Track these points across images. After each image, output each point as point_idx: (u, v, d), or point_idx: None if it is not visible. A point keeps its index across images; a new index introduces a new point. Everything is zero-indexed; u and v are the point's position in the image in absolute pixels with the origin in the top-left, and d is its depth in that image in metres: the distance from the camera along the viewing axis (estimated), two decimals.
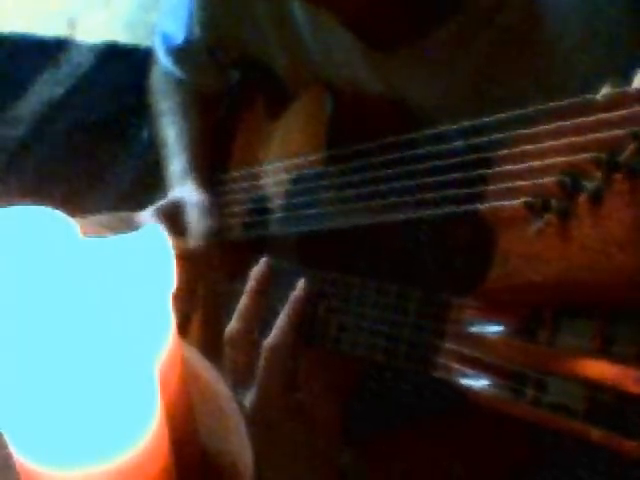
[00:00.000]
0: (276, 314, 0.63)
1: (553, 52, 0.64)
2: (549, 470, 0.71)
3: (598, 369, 0.42)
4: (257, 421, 0.61)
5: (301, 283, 0.63)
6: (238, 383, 0.63)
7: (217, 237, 0.80)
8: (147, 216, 0.80)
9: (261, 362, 0.61)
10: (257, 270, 0.65)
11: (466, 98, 0.64)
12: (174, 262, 0.45)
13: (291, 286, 0.64)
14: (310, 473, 0.62)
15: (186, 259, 0.76)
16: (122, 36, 1.96)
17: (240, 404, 0.60)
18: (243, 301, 0.64)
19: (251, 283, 0.65)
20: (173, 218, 0.80)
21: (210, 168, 0.91)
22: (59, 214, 0.44)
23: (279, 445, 0.62)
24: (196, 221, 0.80)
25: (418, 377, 0.69)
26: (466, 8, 0.66)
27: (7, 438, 0.40)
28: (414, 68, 0.71)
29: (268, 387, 0.61)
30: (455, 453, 0.64)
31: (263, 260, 0.66)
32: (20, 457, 0.40)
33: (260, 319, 0.64)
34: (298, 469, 0.62)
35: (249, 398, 0.62)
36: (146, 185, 1.49)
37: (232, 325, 0.64)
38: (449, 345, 0.51)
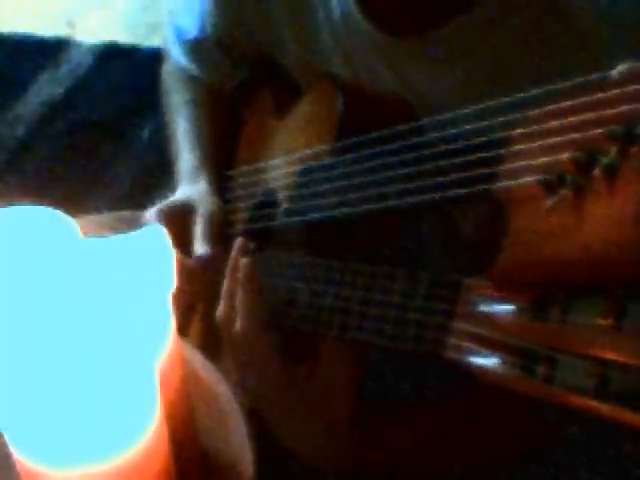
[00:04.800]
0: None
1: (573, 37, 0.64)
2: (549, 470, 0.71)
3: (609, 346, 0.42)
4: (264, 393, 0.60)
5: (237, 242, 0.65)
6: (243, 365, 0.62)
7: (220, 252, 0.78)
8: (152, 216, 0.79)
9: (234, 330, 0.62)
10: (242, 269, 0.65)
11: (480, 91, 0.64)
12: (174, 262, 0.45)
13: (289, 274, 0.64)
14: (328, 439, 0.61)
15: (185, 273, 0.75)
16: (122, 36, 1.96)
17: (249, 389, 0.60)
18: (240, 297, 0.64)
19: (241, 281, 0.65)
20: (180, 221, 0.78)
21: (220, 165, 0.90)
22: (59, 214, 0.44)
23: (296, 409, 0.61)
24: (203, 234, 0.78)
25: (418, 377, 0.70)
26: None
27: (7, 438, 0.40)
28: (427, 59, 0.70)
29: (249, 337, 0.61)
30: (455, 447, 0.64)
31: (244, 263, 0.65)
32: (20, 457, 0.40)
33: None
34: (316, 434, 0.61)
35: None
36: (146, 185, 1.49)
37: (220, 307, 0.64)
38: (459, 325, 0.51)
